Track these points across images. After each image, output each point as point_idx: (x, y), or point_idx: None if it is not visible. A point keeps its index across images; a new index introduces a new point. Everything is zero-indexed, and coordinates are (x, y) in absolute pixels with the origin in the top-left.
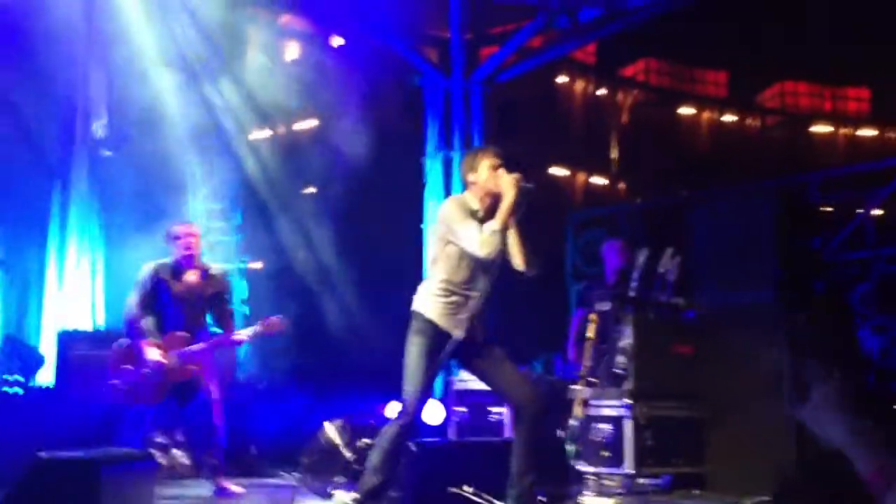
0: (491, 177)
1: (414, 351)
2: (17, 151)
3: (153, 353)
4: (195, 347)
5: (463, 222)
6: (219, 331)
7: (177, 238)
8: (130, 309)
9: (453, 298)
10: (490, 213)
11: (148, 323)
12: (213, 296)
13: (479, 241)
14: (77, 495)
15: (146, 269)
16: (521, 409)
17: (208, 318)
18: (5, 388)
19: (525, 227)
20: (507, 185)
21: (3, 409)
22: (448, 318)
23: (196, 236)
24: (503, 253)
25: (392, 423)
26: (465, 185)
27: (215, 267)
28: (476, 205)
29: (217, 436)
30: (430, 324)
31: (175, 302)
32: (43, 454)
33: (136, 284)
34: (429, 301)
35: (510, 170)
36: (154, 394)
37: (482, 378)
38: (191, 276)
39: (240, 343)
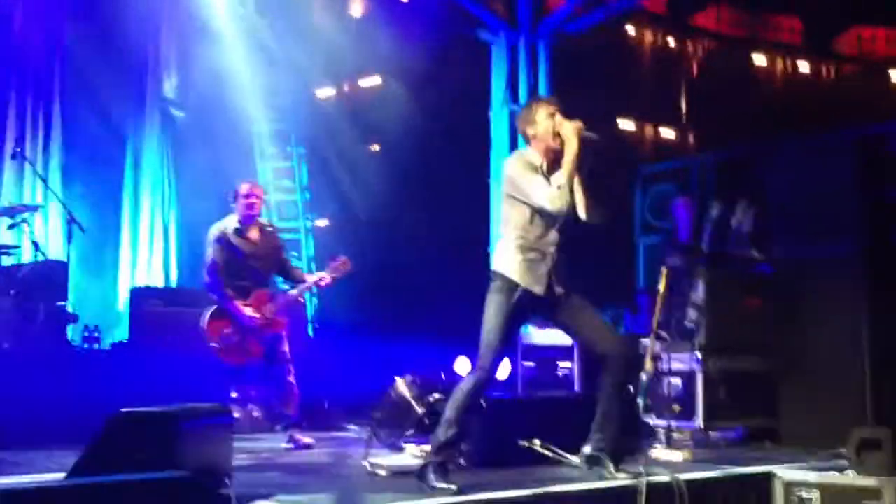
0: (550, 126)
1: (493, 309)
2: (89, 112)
3: (249, 311)
4: (287, 297)
5: (529, 178)
6: (288, 284)
7: (244, 197)
8: (209, 272)
9: (530, 255)
10: (553, 165)
11: (228, 283)
12: (277, 249)
13: (549, 196)
14: (156, 450)
15: (213, 232)
16: (609, 359)
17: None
18: (83, 345)
19: (593, 179)
20: (569, 133)
21: (81, 365)
22: (527, 275)
23: (259, 195)
24: (572, 205)
25: (467, 378)
26: (525, 140)
27: (270, 223)
28: (538, 159)
29: (292, 390)
30: (510, 282)
31: (247, 259)
32: (122, 409)
33: (208, 246)
34: (506, 259)
35: (570, 118)
36: (248, 351)
37: (567, 330)
38: (254, 233)
39: (322, 286)
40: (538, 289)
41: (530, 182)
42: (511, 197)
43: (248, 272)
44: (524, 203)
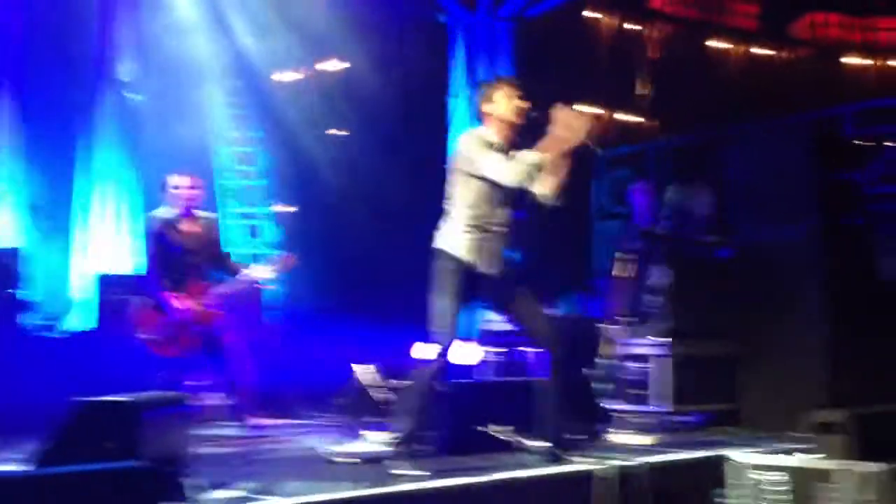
0: (509, 106)
1: (441, 288)
2: (42, 95)
3: (179, 303)
4: (220, 290)
5: (485, 153)
6: (225, 275)
7: (176, 189)
8: (151, 269)
9: (477, 234)
10: (510, 144)
11: (164, 275)
12: (212, 242)
13: (503, 169)
14: (117, 438)
15: (151, 222)
16: (548, 349)
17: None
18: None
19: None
20: (577, 126)
21: (43, 353)
22: (473, 253)
23: (199, 187)
24: (528, 183)
25: (423, 364)
26: (480, 118)
27: (204, 214)
28: (494, 137)
29: (244, 377)
30: (455, 260)
31: (185, 253)
32: (83, 398)
33: (147, 237)
34: (452, 237)
35: (528, 101)
36: (184, 343)
37: (508, 318)
38: (191, 225)
39: (256, 282)
40: (483, 267)
41: (485, 155)
42: (464, 173)
43: (185, 265)
44: (477, 179)
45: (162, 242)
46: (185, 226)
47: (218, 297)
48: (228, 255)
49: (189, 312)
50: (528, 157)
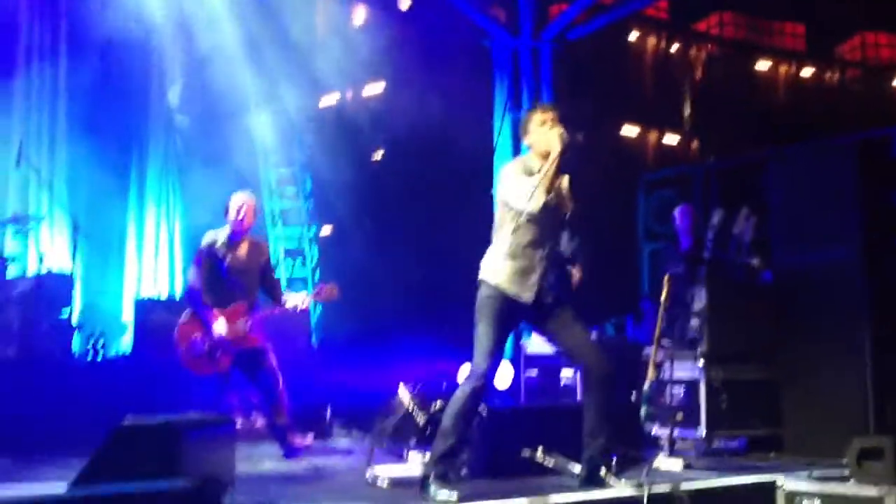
0: (540, 133)
1: (483, 317)
2: (95, 120)
3: (220, 325)
4: (260, 315)
5: (515, 181)
6: (270, 299)
7: (235, 211)
8: (191, 280)
9: (520, 263)
10: (558, 172)
11: (208, 294)
12: (263, 265)
13: (522, 196)
14: (159, 460)
15: (204, 240)
16: (590, 373)
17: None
18: (87, 356)
19: (597, 187)
20: (553, 139)
21: (84, 376)
22: (516, 283)
23: (251, 207)
24: (563, 212)
25: (463, 387)
26: (516, 147)
27: (260, 237)
28: (536, 165)
29: (282, 400)
30: (498, 290)
31: (230, 273)
32: (126, 420)
33: (196, 255)
34: (495, 267)
35: (563, 124)
36: (219, 363)
37: (551, 340)
38: (242, 248)
39: (296, 310)
40: (526, 296)
41: (515, 184)
42: (504, 202)
43: (229, 285)
44: (514, 208)
45: (212, 261)
46: (236, 247)
47: (259, 321)
48: (278, 281)
49: (227, 332)
50: (532, 180)
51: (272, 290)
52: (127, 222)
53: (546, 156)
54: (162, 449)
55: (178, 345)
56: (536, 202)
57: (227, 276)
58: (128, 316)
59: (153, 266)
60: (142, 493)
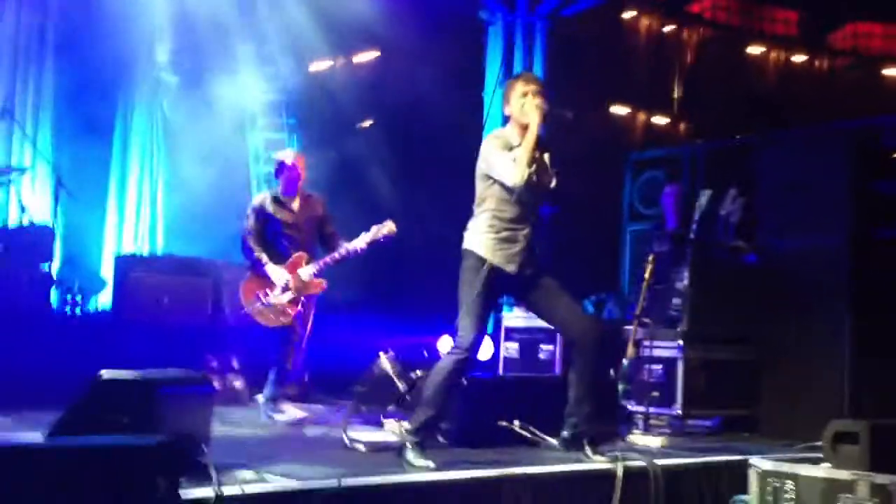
0: (519, 104)
1: (467, 288)
2: (81, 75)
3: (282, 275)
4: (321, 262)
5: (498, 154)
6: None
7: (289, 169)
8: (243, 240)
9: (503, 234)
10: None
11: (262, 254)
12: (319, 219)
13: (507, 170)
14: (135, 414)
15: (254, 201)
16: (578, 342)
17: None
18: (65, 309)
19: (585, 164)
20: (530, 110)
21: (63, 331)
22: (500, 254)
23: (300, 162)
24: (544, 185)
25: (446, 358)
26: (505, 119)
27: (314, 192)
28: (516, 138)
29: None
30: (482, 261)
31: (284, 228)
32: (103, 374)
33: (246, 217)
34: (479, 238)
35: (544, 96)
36: (289, 312)
37: (538, 312)
38: (295, 203)
39: (361, 253)
40: (511, 268)
41: (498, 158)
42: (486, 175)
43: (285, 241)
44: (497, 181)
45: (264, 219)
46: (290, 203)
47: (319, 268)
48: (336, 232)
49: (292, 281)
50: (512, 154)
51: (330, 241)
52: (110, 178)
53: (525, 127)
54: (138, 404)
55: (243, 302)
56: (519, 177)
57: (283, 232)
58: (107, 272)
59: (135, 222)
60: (117, 447)
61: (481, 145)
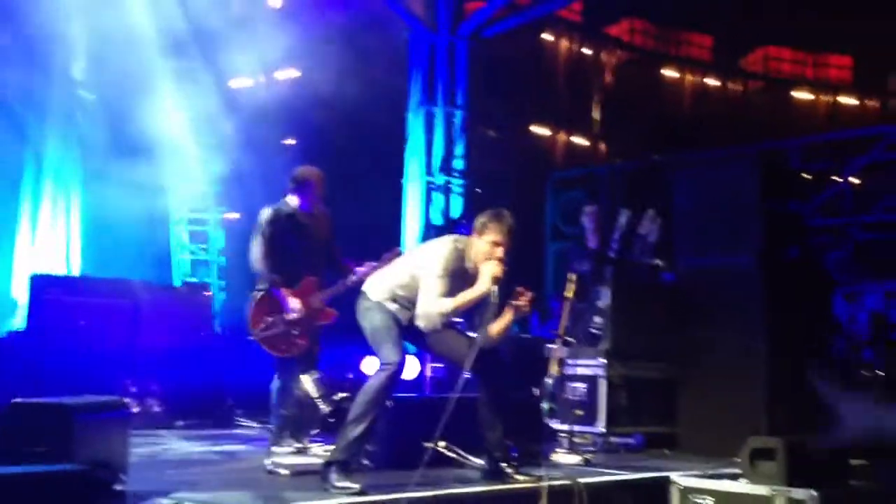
0: (484, 254)
1: (376, 318)
2: None
3: (294, 303)
4: (335, 289)
5: (438, 277)
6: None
7: (306, 181)
8: (257, 258)
9: (405, 311)
10: (473, 280)
11: (276, 276)
12: (328, 236)
13: (428, 312)
14: (51, 441)
15: (265, 215)
16: (475, 371)
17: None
18: None
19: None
20: (487, 272)
21: None
22: (397, 311)
23: (320, 179)
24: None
25: (376, 377)
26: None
27: (325, 209)
28: (466, 270)
29: None
30: (385, 310)
31: (298, 247)
32: (17, 400)
33: (257, 231)
34: (383, 298)
35: (511, 243)
36: (298, 342)
37: (430, 353)
38: (312, 219)
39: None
40: (404, 320)
41: (434, 280)
42: (418, 276)
43: (298, 258)
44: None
45: (280, 235)
46: (305, 219)
47: (331, 296)
48: (339, 249)
49: (302, 309)
50: (444, 304)
51: (336, 262)
52: (21, 198)
53: (476, 272)
54: (53, 430)
55: (252, 326)
56: (432, 323)
57: (295, 248)
58: (19, 293)
59: (47, 242)
60: (34, 475)
61: (438, 245)
